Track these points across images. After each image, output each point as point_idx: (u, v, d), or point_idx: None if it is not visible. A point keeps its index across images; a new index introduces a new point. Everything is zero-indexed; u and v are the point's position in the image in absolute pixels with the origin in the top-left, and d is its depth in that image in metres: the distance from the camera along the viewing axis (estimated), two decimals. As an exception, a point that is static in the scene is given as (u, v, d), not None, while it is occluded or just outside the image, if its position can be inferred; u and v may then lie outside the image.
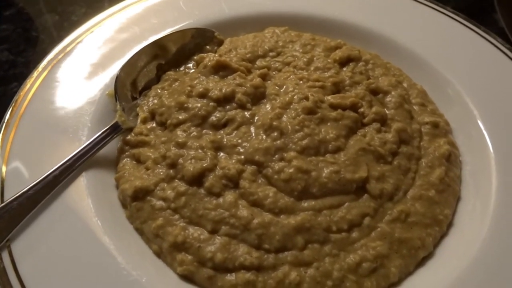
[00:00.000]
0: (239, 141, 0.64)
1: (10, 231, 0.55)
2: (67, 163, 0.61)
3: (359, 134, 0.66)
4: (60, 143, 0.65)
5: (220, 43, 0.82)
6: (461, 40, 0.79)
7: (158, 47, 0.77)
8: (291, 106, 0.67)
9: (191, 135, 0.65)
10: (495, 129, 0.68)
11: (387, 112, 0.70)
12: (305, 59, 0.76)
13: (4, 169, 0.61)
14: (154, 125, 0.69)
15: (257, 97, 0.69)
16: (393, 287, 0.56)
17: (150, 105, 0.71)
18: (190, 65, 0.79)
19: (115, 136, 0.66)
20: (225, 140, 0.64)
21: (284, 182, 0.59)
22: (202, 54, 0.78)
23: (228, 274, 0.54)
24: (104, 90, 0.72)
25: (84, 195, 0.60)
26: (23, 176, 0.60)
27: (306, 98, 0.67)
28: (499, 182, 0.63)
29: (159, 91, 0.73)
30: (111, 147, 0.67)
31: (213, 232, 0.57)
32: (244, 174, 0.60)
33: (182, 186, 0.60)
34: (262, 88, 0.70)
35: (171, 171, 0.62)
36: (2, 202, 0.57)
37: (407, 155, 0.65)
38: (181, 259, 0.55)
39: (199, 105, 0.67)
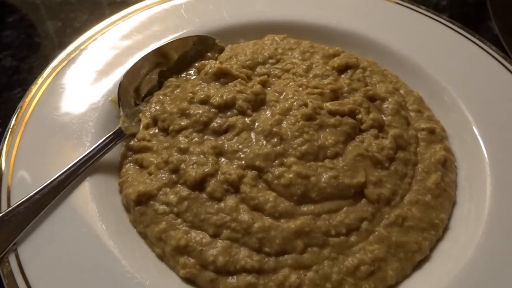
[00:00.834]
0: (240, 146, 0.65)
1: (17, 235, 0.56)
2: (72, 169, 0.62)
3: (357, 140, 0.68)
4: (65, 148, 0.66)
5: (221, 50, 0.84)
6: (456, 48, 0.81)
7: (160, 54, 0.79)
8: (291, 113, 0.68)
9: (193, 141, 0.66)
10: (489, 135, 0.70)
11: (384, 118, 0.71)
12: (304, 66, 0.78)
13: (10, 174, 0.62)
14: (156, 131, 0.70)
15: (257, 103, 0.71)
16: (390, 290, 0.57)
17: (153, 111, 0.73)
18: (192, 72, 0.80)
19: (118, 141, 0.67)
20: (226, 145, 0.66)
21: (284, 187, 0.61)
22: (204, 61, 0.79)
23: (230, 277, 0.56)
24: (108, 97, 0.73)
25: (89, 199, 0.61)
26: (29, 181, 0.62)
27: (305, 105, 0.69)
28: (493, 187, 0.64)
29: (161, 98, 0.75)
30: (115, 152, 0.68)
31: (215, 236, 0.58)
32: (245, 179, 0.62)
33: (184, 191, 0.61)
34: (262, 94, 0.71)
35: (174, 176, 0.63)
36: (9, 206, 0.59)
37: (404, 161, 0.67)
38: (183, 262, 0.57)
39: (200, 111, 0.68)
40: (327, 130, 0.67)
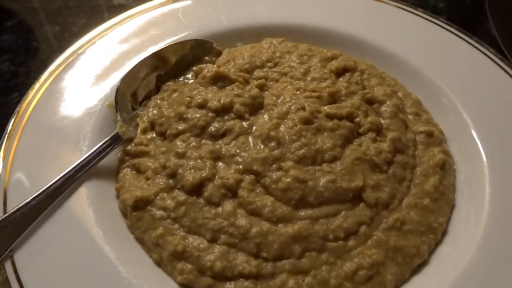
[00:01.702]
0: (238, 151, 0.65)
1: (13, 242, 0.55)
2: (69, 174, 0.62)
3: (355, 143, 0.67)
4: (62, 153, 0.66)
5: (218, 54, 0.83)
6: (454, 50, 0.81)
7: (158, 58, 0.79)
8: (288, 116, 0.68)
9: (191, 145, 0.66)
10: (488, 137, 0.69)
11: (382, 121, 0.71)
12: (302, 70, 0.78)
13: (7, 179, 0.62)
14: (154, 135, 0.70)
15: (255, 107, 0.70)
16: (389, 294, 0.57)
17: (150, 115, 0.72)
18: (189, 76, 0.80)
19: (115, 146, 0.67)
20: (223, 150, 0.66)
21: (282, 192, 0.60)
22: (201, 65, 0.79)
23: (227, 283, 0.55)
24: (105, 101, 0.73)
25: (85, 205, 0.61)
26: (25, 186, 0.62)
27: (303, 109, 0.68)
28: (492, 190, 0.64)
29: (158, 102, 0.74)
30: (112, 157, 0.68)
31: (212, 241, 0.58)
32: (243, 183, 0.62)
33: (181, 196, 0.61)
34: (260, 98, 0.71)
35: (171, 181, 0.63)
36: (5, 212, 0.58)
37: (402, 164, 0.66)
38: (181, 268, 0.56)
39: (198, 115, 0.68)
40: (325, 133, 0.67)
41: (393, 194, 0.63)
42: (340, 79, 0.77)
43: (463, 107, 0.73)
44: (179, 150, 0.65)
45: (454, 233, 0.62)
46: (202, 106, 0.69)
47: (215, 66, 0.77)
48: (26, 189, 0.61)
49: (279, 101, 0.72)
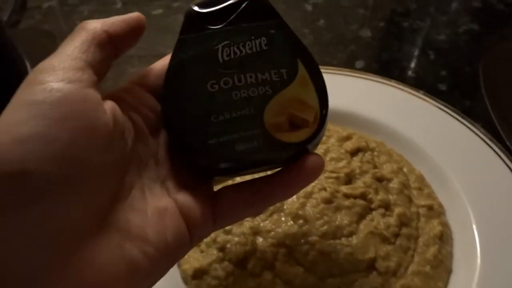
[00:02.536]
0: (273, 226, 0.81)
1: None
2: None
3: (368, 218, 0.83)
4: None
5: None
6: (451, 130, 0.96)
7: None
8: (312, 196, 0.84)
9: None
10: (479, 211, 0.84)
11: (390, 197, 0.86)
12: (322, 150, 0.94)
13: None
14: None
15: (285, 187, 0.86)
16: None
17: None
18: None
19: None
20: (261, 225, 0.82)
21: (310, 263, 0.76)
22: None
23: None
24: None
25: (155, 275, 0.77)
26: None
27: (325, 189, 0.84)
28: (482, 257, 0.78)
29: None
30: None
31: (256, 305, 0.73)
32: (278, 255, 0.77)
33: (230, 267, 0.77)
34: (289, 179, 0.87)
35: (221, 253, 0.79)
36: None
37: (407, 236, 0.81)
38: (233, 328, 0.72)
39: (239, 195, 0.85)
40: (343, 211, 0.82)
41: (400, 263, 0.78)
42: (354, 158, 0.93)
43: (459, 184, 0.88)
44: (226, 227, 0.81)
45: (451, 295, 0.77)
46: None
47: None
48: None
49: (304, 181, 0.87)
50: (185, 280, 0.79)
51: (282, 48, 0.47)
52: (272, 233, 0.80)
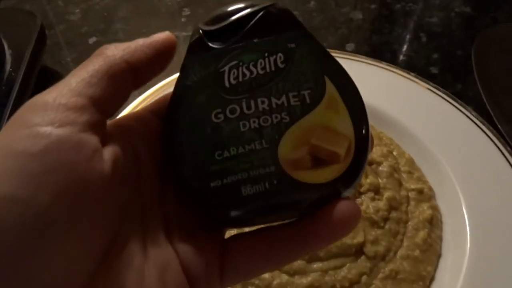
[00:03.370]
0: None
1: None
2: None
3: (357, 202, 0.81)
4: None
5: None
6: (442, 113, 0.94)
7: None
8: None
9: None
10: (469, 192, 0.82)
11: (379, 181, 0.84)
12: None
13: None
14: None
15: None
16: (386, 333, 0.70)
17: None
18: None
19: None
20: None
21: (297, 248, 0.74)
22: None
23: (256, 327, 0.69)
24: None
25: None
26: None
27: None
28: (472, 240, 0.77)
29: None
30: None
31: (242, 291, 0.72)
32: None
33: None
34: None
35: None
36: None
37: (396, 220, 0.80)
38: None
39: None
40: (332, 195, 0.80)
41: (389, 247, 0.76)
42: (344, 141, 0.90)
43: (450, 167, 0.86)
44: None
45: (440, 279, 0.75)
46: None
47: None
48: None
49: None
50: None
51: (304, 64, 0.38)
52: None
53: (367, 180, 0.83)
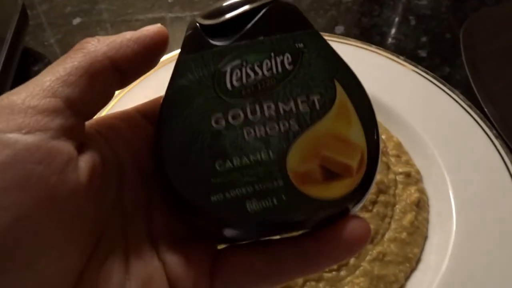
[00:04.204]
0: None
1: None
2: None
3: (346, 186, 0.81)
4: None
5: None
6: (430, 97, 0.95)
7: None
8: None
9: None
10: (456, 176, 0.84)
11: (368, 164, 0.85)
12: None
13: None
14: None
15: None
16: (374, 313, 0.72)
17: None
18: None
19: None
20: None
21: (286, 231, 0.74)
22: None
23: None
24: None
25: None
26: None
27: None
28: (458, 223, 0.78)
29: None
30: None
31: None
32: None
33: None
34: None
35: None
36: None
37: (384, 203, 0.80)
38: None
39: None
40: (321, 179, 0.80)
41: (377, 230, 0.77)
42: (333, 125, 0.90)
43: (437, 150, 0.87)
44: None
45: (426, 260, 0.77)
46: None
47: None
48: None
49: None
50: None
51: (313, 67, 0.35)
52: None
53: (355, 164, 0.83)
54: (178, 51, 0.36)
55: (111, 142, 0.35)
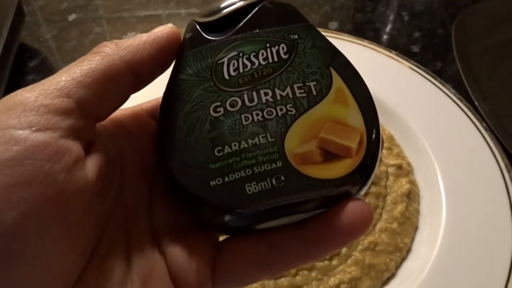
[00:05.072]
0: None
1: None
2: None
3: (338, 178, 0.83)
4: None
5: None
6: (422, 91, 0.96)
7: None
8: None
9: None
10: (446, 168, 0.85)
11: (360, 157, 0.86)
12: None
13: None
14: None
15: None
16: (365, 301, 0.73)
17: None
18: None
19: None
20: None
21: (279, 222, 0.76)
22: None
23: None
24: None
25: None
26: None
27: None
28: (447, 214, 0.80)
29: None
30: None
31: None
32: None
33: None
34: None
35: None
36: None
37: (376, 194, 0.82)
38: None
39: None
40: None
41: (368, 220, 0.79)
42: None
43: (428, 143, 0.89)
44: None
45: (416, 250, 0.78)
46: None
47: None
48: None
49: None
50: None
51: (308, 56, 0.36)
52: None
53: (348, 156, 0.85)
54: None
55: (117, 138, 0.36)
